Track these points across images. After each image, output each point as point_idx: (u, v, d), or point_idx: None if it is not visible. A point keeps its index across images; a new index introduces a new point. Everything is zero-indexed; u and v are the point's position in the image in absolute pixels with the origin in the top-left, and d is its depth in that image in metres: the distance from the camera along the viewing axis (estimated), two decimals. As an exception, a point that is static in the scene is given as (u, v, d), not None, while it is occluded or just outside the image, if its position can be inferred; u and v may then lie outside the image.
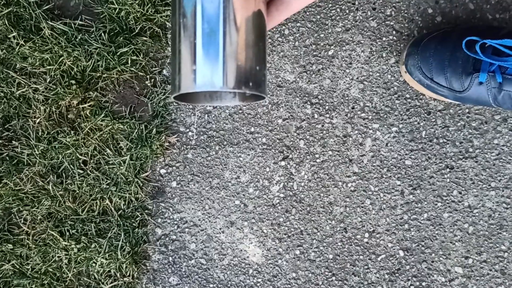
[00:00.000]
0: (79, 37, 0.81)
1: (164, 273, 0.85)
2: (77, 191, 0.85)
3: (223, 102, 0.43)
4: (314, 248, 0.81)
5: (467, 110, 0.76)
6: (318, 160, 0.80)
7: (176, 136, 0.83)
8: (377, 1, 0.78)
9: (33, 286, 0.86)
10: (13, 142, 0.86)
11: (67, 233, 0.85)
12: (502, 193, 0.76)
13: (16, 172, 0.85)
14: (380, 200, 0.79)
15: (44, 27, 0.81)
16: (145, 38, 0.81)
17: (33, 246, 0.86)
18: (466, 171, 0.77)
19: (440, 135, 0.77)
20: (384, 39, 0.78)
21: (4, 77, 0.84)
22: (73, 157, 0.84)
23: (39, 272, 0.86)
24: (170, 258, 0.85)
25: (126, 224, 0.84)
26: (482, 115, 0.76)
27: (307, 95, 0.80)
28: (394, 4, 0.77)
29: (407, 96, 0.77)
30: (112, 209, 0.84)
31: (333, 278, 0.81)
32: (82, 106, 0.83)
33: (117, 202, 0.84)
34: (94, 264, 0.85)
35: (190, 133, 0.83)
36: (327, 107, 0.79)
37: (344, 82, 0.79)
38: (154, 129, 0.82)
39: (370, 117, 0.78)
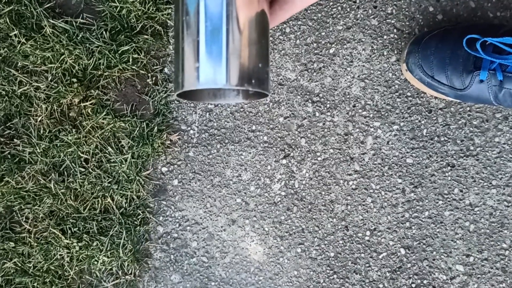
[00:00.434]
0: (80, 35, 0.81)
1: (166, 271, 0.85)
2: (79, 189, 0.85)
3: (226, 99, 0.43)
4: (316, 246, 0.81)
5: (468, 108, 0.76)
6: (319, 158, 0.80)
7: (178, 134, 0.84)
8: (378, -1, 0.78)
9: (35, 284, 0.86)
10: (15, 140, 0.86)
11: (69, 231, 0.85)
12: (503, 191, 0.76)
13: (18, 170, 0.85)
14: (381, 198, 0.79)
15: (45, 26, 0.81)
16: (146, 36, 0.81)
17: (35, 244, 0.86)
18: (467, 169, 0.77)
19: (441, 133, 0.77)
20: (385, 37, 0.78)
21: (6, 75, 0.84)
22: (75, 155, 0.84)
23: (41, 270, 0.86)
24: (172, 256, 0.85)
25: (128, 222, 0.84)
26: (483, 113, 0.76)
27: (308, 93, 0.80)
28: (395, 2, 0.78)
29: (408, 94, 0.78)
30: (114, 207, 0.84)
31: (335, 276, 0.81)
32: (84, 104, 0.83)
33: (119, 200, 0.84)
34: (96, 262, 0.85)
35: (191, 131, 0.83)
36: (328, 105, 0.80)
37: (345, 80, 0.79)
38: (156, 127, 0.82)
39: (371, 115, 0.79)
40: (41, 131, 0.85)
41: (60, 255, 0.86)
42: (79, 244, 0.85)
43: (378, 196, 0.79)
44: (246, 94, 0.43)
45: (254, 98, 0.42)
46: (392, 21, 0.78)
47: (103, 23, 0.82)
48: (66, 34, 0.81)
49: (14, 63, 0.85)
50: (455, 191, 0.77)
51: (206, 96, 0.43)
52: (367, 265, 0.80)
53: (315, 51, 0.79)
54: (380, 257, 0.79)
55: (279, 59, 0.80)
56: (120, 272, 0.85)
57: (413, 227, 0.78)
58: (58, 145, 0.84)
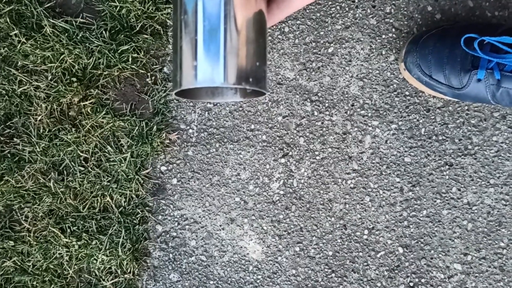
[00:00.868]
0: (80, 35, 0.82)
1: (165, 270, 0.85)
2: (78, 188, 0.85)
3: (224, 98, 0.43)
4: (314, 245, 0.81)
5: (466, 108, 0.77)
6: (317, 157, 0.80)
7: (177, 134, 0.84)
8: (376, -1, 0.78)
9: (34, 282, 0.87)
10: (15, 139, 0.86)
11: (68, 230, 0.85)
12: (501, 190, 0.77)
13: (18, 169, 0.86)
14: (379, 197, 0.79)
15: (45, 25, 0.81)
16: (146, 36, 0.82)
17: (34, 243, 0.86)
18: (465, 168, 0.77)
19: (439, 132, 0.77)
20: (383, 36, 0.78)
21: (6, 74, 0.85)
22: (74, 154, 0.84)
23: (40, 269, 0.87)
24: (171, 255, 0.85)
25: (127, 221, 0.85)
26: (481, 112, 0.76)
27: (307, 92, 0.80)
28: (393, 2, 0.78)
29: (407, 93, 0.78)
30: (113, 206, 0.85)
31: (333, 274, 0.81)
32: (83, 103, 0.84)
33: (118, 199, 0.84)
34: (95, 261, 0.85)
35: (190, 131, 0.84)
36: (326, 105, 0.80)
37: (344, 79, 0.79)
38: (155, 127, 0.83)
39: (369, 115, 0.79)
40: (41, 130, 0.85)
41: (59, 254, 0.86)
42: (78, 243, 0.85)
43: (376, 195, 0.79)
44: (244, 93, 0.43)
45: (252, 96, 0.43)
46: (391, 21, 0.78)
47: (102, 22, 0.82)
48: (66, 34, 0.82)
49: (14, 62, 0.85)
50: (453, 190, 0.78)
51: (204, 95, 0.43)
52: (365, 263, 0.80)
53: (314, 51, 0.80)
54: (378, 255, 0.80)
55: (277, 59, 0.81)
56: (119, 271, 0.85)
57: (411, 226, 0.79)
58: (58, 144, 0.84)
